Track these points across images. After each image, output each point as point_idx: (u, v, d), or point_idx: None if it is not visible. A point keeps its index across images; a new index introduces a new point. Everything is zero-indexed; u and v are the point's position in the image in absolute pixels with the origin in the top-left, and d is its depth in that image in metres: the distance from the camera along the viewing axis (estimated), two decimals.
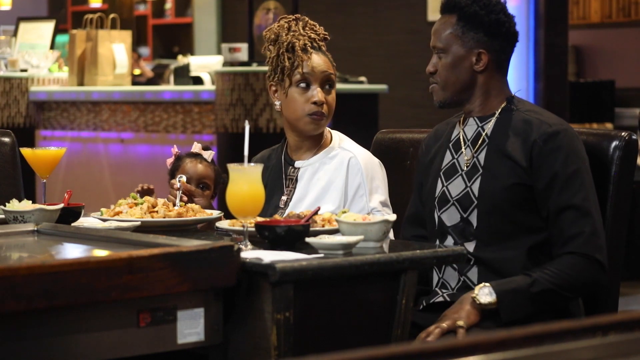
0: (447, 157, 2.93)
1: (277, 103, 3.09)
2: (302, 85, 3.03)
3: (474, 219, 2.82)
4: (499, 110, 2.88)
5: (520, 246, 2.79)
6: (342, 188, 3.00)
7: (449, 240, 2.86)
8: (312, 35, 3.07)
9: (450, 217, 2.86)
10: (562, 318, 2.78)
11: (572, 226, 2.75)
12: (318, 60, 3.05)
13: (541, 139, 2.78)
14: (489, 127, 2.87)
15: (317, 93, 3.02)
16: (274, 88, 3.09)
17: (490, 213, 2.80)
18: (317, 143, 3.09)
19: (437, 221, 2.89)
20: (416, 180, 3.05)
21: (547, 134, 2.79)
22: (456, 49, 2.88)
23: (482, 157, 2.85)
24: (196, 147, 3.40)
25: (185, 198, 3.06)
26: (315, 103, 3.01)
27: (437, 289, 2.89)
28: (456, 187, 2.87)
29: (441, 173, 2.92)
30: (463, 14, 2.87)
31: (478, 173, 2.84)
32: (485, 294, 2.72)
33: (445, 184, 2.89)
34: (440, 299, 2.85)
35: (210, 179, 3.32)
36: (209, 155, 3.37)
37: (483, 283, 2.74)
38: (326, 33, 3.13)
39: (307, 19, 3.11)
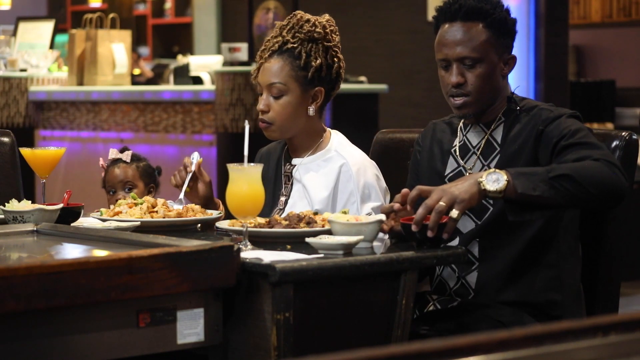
0: (452, 164, 2.88)
1: None
2: (259, 92, 3.06)
3: (487, 225, 2.77)
4: (502, 112, 2.83)
5: (524, 242, 2.75)
6: (330, 195, 2.96)
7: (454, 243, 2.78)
8: (288, 37, 3.00)
9: (463, 224, 2.80)
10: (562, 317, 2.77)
11: (583, 151, 2.62)
12: (267, 69, 3.01)
13: (543, 125, 2.73)
14: (498, 133, 2.82)
15: (260, 101, 3.03)
16: None
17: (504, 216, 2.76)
18: (313, 142, 3.06)
19: None
20: (410, 178, 3.00)
21: (549, 119, 2.73)
22: (492, 57, 2.79)
23: (493, 165, 2.78)
24: (113, 153, 3.48)
25: (191, 184, 3.02)
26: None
27: (429, 295, 2.83)
28: None
29: (447, 180, 2.84)
30: (492, 21, 2.78)
31: None
32: (492, 180, 2.49)
33: None
34: (432, 307, 2.80)
35: (134, 177, 3.46)
36: (126, 155, 3.44)
37: (493, 168, 2.54)
38: (319, 30, 3.00)
39: (300, 15, 3.04)
